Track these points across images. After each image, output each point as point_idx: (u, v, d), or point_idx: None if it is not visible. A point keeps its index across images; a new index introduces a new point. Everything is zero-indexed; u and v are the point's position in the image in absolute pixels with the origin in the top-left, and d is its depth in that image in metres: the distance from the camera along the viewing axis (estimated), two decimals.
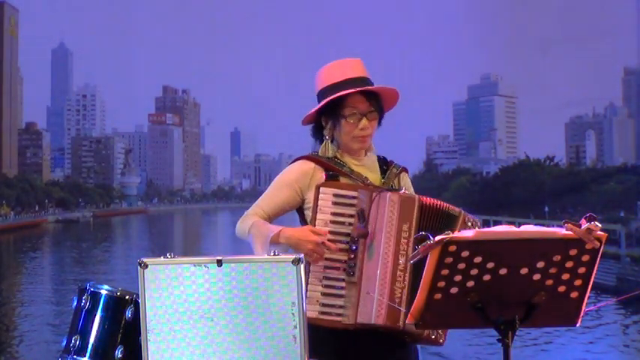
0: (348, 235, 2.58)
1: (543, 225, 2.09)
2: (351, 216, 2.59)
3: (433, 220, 2.57)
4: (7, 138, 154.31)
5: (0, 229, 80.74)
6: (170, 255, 2.13)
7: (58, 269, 43.59)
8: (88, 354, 2.38)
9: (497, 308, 2.03)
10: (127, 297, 2.41)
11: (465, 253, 1.96)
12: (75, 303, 2.46)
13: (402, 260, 2.51)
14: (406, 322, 2.45)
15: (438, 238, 1.95)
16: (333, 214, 2.60)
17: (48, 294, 31.39)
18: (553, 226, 2.10)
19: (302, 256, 2.15)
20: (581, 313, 2.08)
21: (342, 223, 2.59)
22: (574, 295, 2.04)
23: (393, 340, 2.60)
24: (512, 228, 1.99)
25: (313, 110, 2.78)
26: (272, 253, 2.15)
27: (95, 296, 2.43)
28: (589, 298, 2.07)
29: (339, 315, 2.55)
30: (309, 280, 2.56)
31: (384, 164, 2.83)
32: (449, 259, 1.96)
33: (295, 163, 2.80)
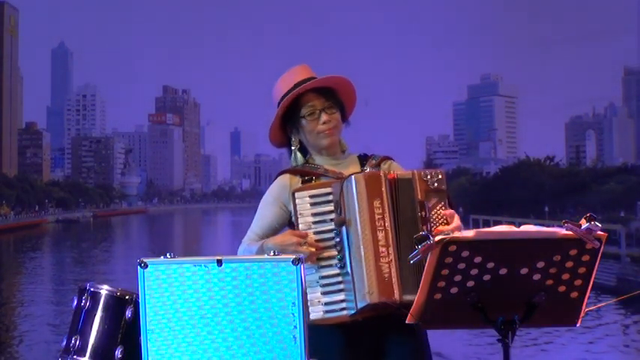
0: (332, 231, 2.61)
1: (543, 225, 2.09)
2: (331, 212, 2.61)
3: (402, 191, 2.58)
4: (7, 138, 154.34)
5: (0, 229, 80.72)
6: (170, 255, 2.13)
7: (58, 269, 43.56)
8: (87, 354, 2.38)
9: (497, 308, 2.03)
10: (127, 297, 2.41)
11: (465, 253, 1.96)
12: (75, 303, 2.46)
13: (380, 235, 2.52)
14: (403, 297, 2.47)
15: (438, 238, 1.96)
16: (314, 214, 2.62)
17: (48, 294, 31.35)
18: (553, 226, 2.09)
19: (302, 256, 2.15)
20: (582, 313, 2.08)
21: (325, 221, 2.61)
22: (574, 295, 2.04)
23: (402, 329, 2.56)
24: (512, 228, 1.99)
25: (272, 122, 2.80)
26: (272, 253, 2.15)
27: (95, 296, 2.43)
28: (589, 298, 2.07)
29: (343, 309, 2.57)
30: (306, 285, 2.57)
31: (365, 159, 2.83)
32: (449, 259, 1.96)
33: (274, 181, 2.83)
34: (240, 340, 2.10)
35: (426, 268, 1.99)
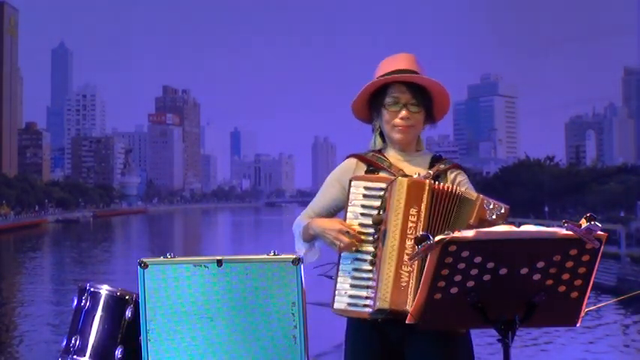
0: (374, 227, 2.61)
1: (543, 225, 2.09)
2: (378, 208, 2.60)
3: (446, 205, 2.55)
4: (7, 138, 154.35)
5: (0, 229, 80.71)
6: (170, 255, 2.13)
7: (58, 269, 43.57)
8: (87, 354, 2.38)
9: (497, 308, 2.03)
10: (127, 297, 2.41)
11: (465, 253, 1.96)
12: (75, 303, 2.46)
13: (409, 243, 2.51)
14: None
15: (438, 238, 1.95)
16: (363, 206, 2.62)
17: (48, 294, 31.37)
18: (553, 226, 2.09)
19: (302, 255, 2.16)
20: (581, 313, 2.07)
21: (371, 216, 2.61)
22: (574, 295, 2.04)
23: (431, 335, 2.52)
24: (512, 228, 1.99)
25: (355, 99, 2.79)
26: (271, 254, 2.15)
27: (95, 296, 2.43)
28: (589, 298, 2.07)
29: (365, 306, 2.56)
30: (339, 274, 2.58)
31: (436, 161, 2.79)
32: (449, 259, 1.96)
33: (343, 161, 2.85)
34: (240, 340, 2.10)
35: (426, 267, 1.99)
